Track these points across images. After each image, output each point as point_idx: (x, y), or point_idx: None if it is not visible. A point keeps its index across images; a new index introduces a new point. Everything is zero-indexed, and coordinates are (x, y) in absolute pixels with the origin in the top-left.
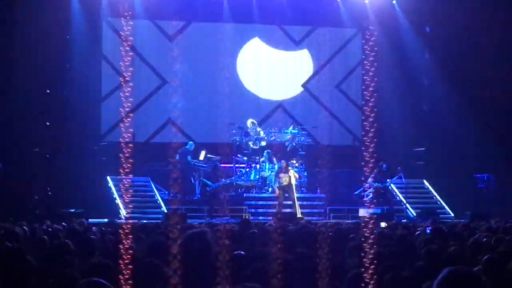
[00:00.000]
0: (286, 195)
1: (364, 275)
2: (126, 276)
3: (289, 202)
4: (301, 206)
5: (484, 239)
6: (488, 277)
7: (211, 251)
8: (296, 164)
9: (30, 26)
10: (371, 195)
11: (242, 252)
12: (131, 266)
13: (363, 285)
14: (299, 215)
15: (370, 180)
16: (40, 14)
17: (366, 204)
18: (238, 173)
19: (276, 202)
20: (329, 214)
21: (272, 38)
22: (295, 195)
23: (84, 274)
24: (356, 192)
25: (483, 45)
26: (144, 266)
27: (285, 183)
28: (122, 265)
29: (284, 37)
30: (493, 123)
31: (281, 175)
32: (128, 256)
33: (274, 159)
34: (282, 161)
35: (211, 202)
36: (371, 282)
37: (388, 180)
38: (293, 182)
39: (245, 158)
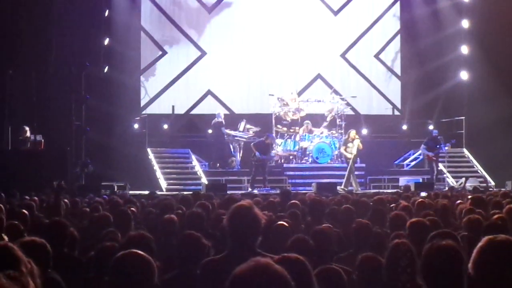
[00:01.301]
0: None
1: (404, 245)
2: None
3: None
4: (340, 176)
5: None
6: None
7: (259, 225)
8: (336, 134)
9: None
10: (411, 164)
11: (285, 224)
12: (170, 238)
13: (403, 255)
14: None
15: (422, 148)
16: None
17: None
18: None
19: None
20: (369, 184)
21: (310, 7)
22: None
23: (123, 246)
24: (396, 162)
25: None
26: (184, 239)
27: (354, 152)
28: (161, 237)
29: (322, 7)
30: None
31: (349, 144)
32: (168, 228)
33: (314, 130)
34: (351, 131)
35: (254, 173)
36: (411, 251)
37: (443, 145)
38: (355, 152)
39: (285, 129)
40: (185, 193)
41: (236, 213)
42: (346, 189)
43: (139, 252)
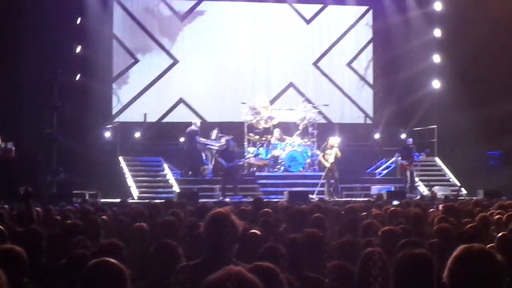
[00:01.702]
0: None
1: (376, 253)
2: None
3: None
4: (313, 185)
5: (496, 216)
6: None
7: (236, 232)
8: (308, 143)
9: (41, 7)
10: (384, 173)
11: (257, 232)
12: (141, 246)
13: (375, 263)
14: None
15: (396, 156)
16: None
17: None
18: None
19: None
20: (341, 193)
21: (283, 16)
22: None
23: (95, 255)
24: (368, 170)
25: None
26: (157, 247)
27: (331, 161)
28: (132, 245)
29: (295, 15)
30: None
31: (328, 151)
32: (139, 236)
33: (287, 138)
34: (330, 138)
35: (224, 181)
36: (383, 260)
37: (417, 154)
38: (332, 160)
39: (257, 137)
40: (157, 201)
41: (213, 220)
42: (331, 198)
43: (112, 260)
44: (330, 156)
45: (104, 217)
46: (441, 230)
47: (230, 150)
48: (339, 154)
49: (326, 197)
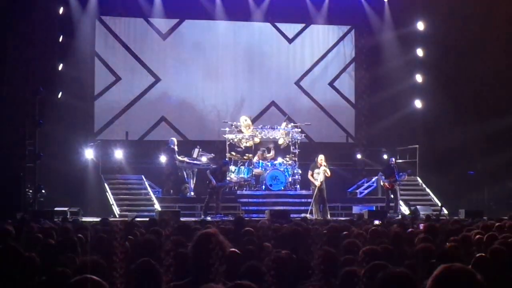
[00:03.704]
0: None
1: (357, 273)
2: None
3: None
4: (294, 204)
5: (477, 236)
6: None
7: (224, 253)
8: (290, 162)
9: (23, 23)
10: (365, 192)
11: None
12: (123, 265)
13: (356, 282)
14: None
15: (379, 175)
16: (33, 12)
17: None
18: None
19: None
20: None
21: (265, 35)
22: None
23: (77, 272)
24: (349, 190)
25: (476, 40)
26: (138, 265)
27: (321, 179)
28: (114, 264)
29: (277, 34)
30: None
31: (316, 170)
32: (120, 254)
33: (267, 156)
34: (319, 156)
35: (208, 199)
36: (364, 280)
37: (400, 174)
38: (322, 179)
39: (238, 155)
40: (138, 219)
41: (202, 240)
42: (319, 217)
43: (94, 277)
44: (319, 175)
45: (83, 235)
46: (422, 250)
47: (223, 170)
48: (328, 173)
49: (314, 216)
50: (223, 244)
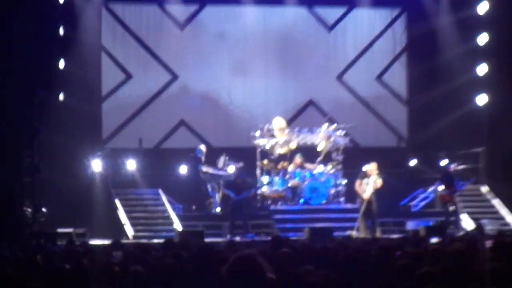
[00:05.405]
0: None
1: None
2: None
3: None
4: (337, 220)
5: None
6: None
7: (264, 277)
8: (332, 171)
9: (23, 18)
10: (420, 205)
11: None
12: None
13: None
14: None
15: (437, 185)
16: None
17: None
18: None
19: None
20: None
21: (301, 22)
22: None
23: None
24: (402, 202)
25: None
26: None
27: (371, 191)
28: None
29: (314, 21)
30: None
31: (365, 180)
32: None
33: (307, 165)
34: (371, 164)
35: (232, 217)
36: None
37: (461, 183)
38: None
39: (272, 164)
40: (155, 241)
41: (239, 262)
42: (367, 235)
43: None
44: (368, 186)
45: (92, 260)
46: (493, 271)
47: (239, 182)
48: (378, 183)
49: (361, 233)
50: (263, 268)
